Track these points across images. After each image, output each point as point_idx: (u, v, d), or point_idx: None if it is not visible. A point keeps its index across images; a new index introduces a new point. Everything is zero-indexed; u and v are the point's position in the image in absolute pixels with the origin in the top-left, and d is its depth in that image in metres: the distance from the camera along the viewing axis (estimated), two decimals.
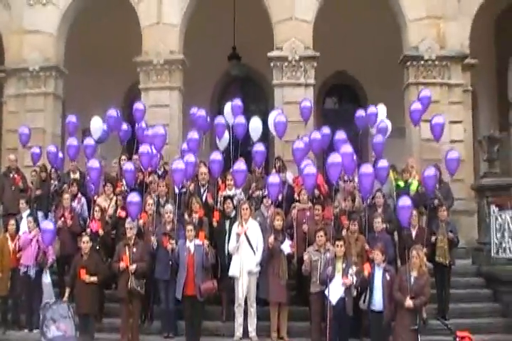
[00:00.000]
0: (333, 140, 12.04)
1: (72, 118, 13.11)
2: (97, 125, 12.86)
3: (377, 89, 16.99)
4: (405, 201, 10.01)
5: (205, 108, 14.01)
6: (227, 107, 13.25)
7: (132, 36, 15.59)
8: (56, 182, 12.71)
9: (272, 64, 14.91)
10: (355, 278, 9.21)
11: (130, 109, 14.93)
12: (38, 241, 10.69)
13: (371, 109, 12.88)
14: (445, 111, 14.24)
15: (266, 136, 13.45)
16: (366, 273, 9.26)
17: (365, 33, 16.74)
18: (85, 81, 17.17)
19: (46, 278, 10.73)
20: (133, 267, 9.70)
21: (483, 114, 18.05)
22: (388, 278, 9.11)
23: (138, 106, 13.25)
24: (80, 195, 11.75)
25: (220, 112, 15.89)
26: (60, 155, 12.87)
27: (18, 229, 11.00)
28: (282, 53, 14.82)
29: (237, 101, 13.05)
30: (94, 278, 9.77)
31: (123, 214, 10.73)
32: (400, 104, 14.69)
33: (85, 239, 9.95)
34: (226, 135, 12.61)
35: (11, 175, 12.92)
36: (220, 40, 16.92)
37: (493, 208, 11.55)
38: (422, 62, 14.64)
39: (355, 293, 9.31)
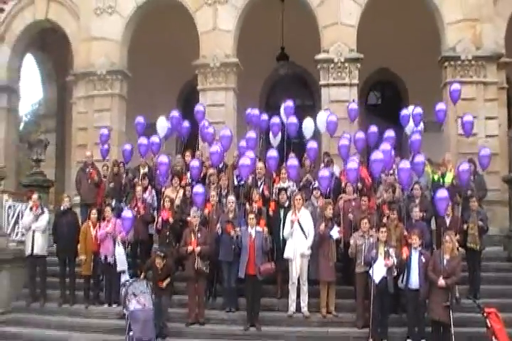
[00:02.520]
0: (374, 136, 13.21)
1: (140, 120, 14.40)
2: (162, 124, 14.10)
3: (418, 86, 17.99)
4: (443, 193, 11.22)
5: (255, 105, 15.30)
6: (282, 108, 14.39)
7: (188, 41, 16.85)
8: (124, 176, 13.98)
9: (319, 66, 16.00)
10: (395, 260, 10.34)
11: (184, 106, 16.37)
12: (114, 228, 11.95)
13: (417, 110, 13.89)
14: (481, 108, 15.35)
15: (314, 132, 14.40)
16: (404, 255, 10.38)
17: (406, 34, 17.53)
18: (145, 82, 18.45)
19: (119, 249, 11.86)
20: (198, 249, 11.01)
21: None
22: (424, 260, 10.22)
23: (199, 108, 14.57)
24: (149, 187, 13.00)
25: (269, 109, 17.29)
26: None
27: (99, 217, 12.26)
28: (329, 56, 15.88)
29: (289, 103, 14.26)
30: (167, 281, 11.12)
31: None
32: (439, 101, 15.42)
33: (158, 260, 11.04)
34: (279, 132, 13.75)
35: (87, 170, 14.11)
36: (270, 43, 17.93)
37: None
38: (459, 62, 15.54)
39: (395, 273, 10.40)
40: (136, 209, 12.37)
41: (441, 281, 9.89)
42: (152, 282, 11.21)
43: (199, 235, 11.24)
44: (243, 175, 12.20)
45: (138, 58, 17.82)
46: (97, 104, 17.10)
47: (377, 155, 11.69)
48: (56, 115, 21.67)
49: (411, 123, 13.80)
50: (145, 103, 18.01)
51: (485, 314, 9.92)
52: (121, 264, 11.88)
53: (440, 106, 13.98)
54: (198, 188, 11.86)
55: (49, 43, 20.39)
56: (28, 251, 12.43)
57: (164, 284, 11.12)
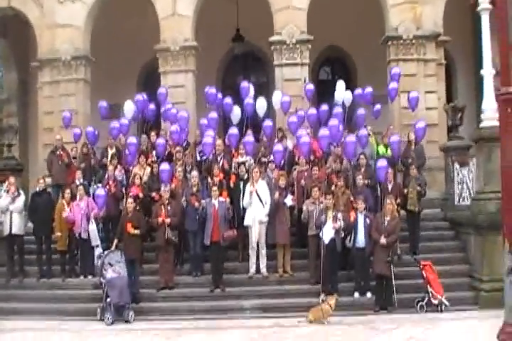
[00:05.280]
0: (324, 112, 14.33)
1: (103, 103, 15.29)
2: (129, 107, 14.98)
3: (366, 62, 19.00)
4: (382, 162, 12.57)
5: (212, 84, 16.14)
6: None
7: (146, 26, 17.58)
8: (92, 156, 14.77)
9: (272, 47, 17.02)
10: (342, 223, 11.62)
11: (144, 88, 16.97)
12: (87, 206, 12.81)
13: (368, 89, 15.04)
14: (421, 83, 16.62)
15: (269, 109, 15.43)
16: (352, 218, 11.71)
17: (354, 14, 18.44)
18: (106, 66, 18.83)
19: (92, 227, 12.68)
20: (168, 220, 12.06)
21: (460, 84, 20.20)
22: (368, 222, 11.57)
23: (161, 90, 15.53)
24: (119, 166, 13.81)
25: (226, 88, 18.44)
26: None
27: (73, 196, 13.09)
28: (281, 38, 16.90)
29: (245, 83, 15.35)
30: (137, 231, 12.02)
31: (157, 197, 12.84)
32: (384, 76, 16.77)
33: (130, 200, 12.25)
34: (237, 111, 14.75)
35: (58, 152, 14.77)
36: (226, 25, 18.77)
37: (456, 165, 13.65)
38: (401, 42, 16.77)
39: (342, 234, 11.71)
40: (107, 187, 13.26)
41: (383, 240, 11.23)
42: (120, 228, 12.11)
43: (169, 208, 12.27)
44: (206, 152, 13.28)
45: (100, 43, 18.39)
46: (62, 88, 17.73)
47: (324, 131, 12.96)
48: (17, 99, 21.87)
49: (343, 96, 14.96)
50: (106, 86, 18.56)
51: (421, 266, 11.30)
52: (95, 239, 12.79)
53: (393, 84, 15.14)
54: (165, 166, 12.92)
55: (10, 29, 20.68)
56: (6, 231, 13.08)
57: (132, 231, 11.96)
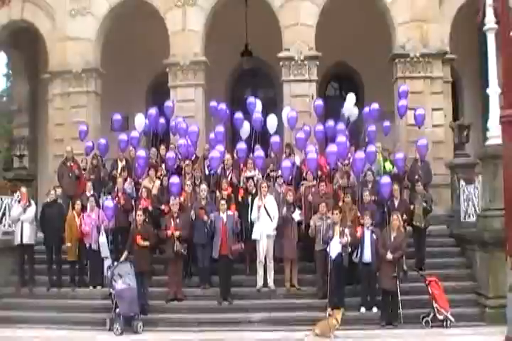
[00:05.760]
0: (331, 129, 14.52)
1: (117, 117, 15.51)
2: (140, 120, 15.23)
3: (373, 79, 19.21)
4: (386, 179, 12.76)
5: (221, 99, 16.37)
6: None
7: (156, 39, 17.82)
8: (102, 168, 14.99)
9: (281, 63, 17.24)
10: (349, 238, 11.78)
11: (153, 101, 17.11)
12: (98, 217, 13.03)
13: (374, 106, 15.21)
14: (428, 100, 16.81)
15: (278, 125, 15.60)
16: (358, 234, 11.87)
17: (361, 31, 18.55)
18: (116, 78, 19.07)
19: (102, 239, 12.88)
20: (177, 233, 12.25)
21: (466, 102, 20.42)
22: (375, 237, 11.74)
23: (168, 104, 15.78)
24: (129, 178, 14.01)
25: (234, 102, 18.62)
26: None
27: (83, 207, 13.28)
28: (290, 54, 17.13)
29: (252, 99, 15.57)
30: (146, 243, 12.21)
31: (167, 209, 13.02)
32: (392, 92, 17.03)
33: (139, 213, 12.47)
34: (247, 126, 14.99)
35: (68, 164, 14.99)
36: (235, 41, 19.00)
37: (462, 182, 13.87)
38: (408, 59, 16.97)
39: (349, 250, 11.84)
40: (117, 199, 13.44)
41: (389, 255, 11.39)
42: (130, 240, 12.30)
43: (178, 221, 12.48)
44: (213, 166, 13.49)
45: (110, 56, 18.66)
46: (72, 100, 17.96)
47: (332, 147, 13.17)
48: (28, 110, 22.20)
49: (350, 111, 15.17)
50: (116, 98, 18.83)
51: (426, 282, 11.45)
52: (105, 251, 12.96)
53: (402, 102, 15.35)
54: (175, 179, 13.11)
55: (21, 42, 20.94)
56: (17, 241, 13.33)
57: (142, 242, 12.16)
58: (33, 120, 22.02)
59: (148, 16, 18.01)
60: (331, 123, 14.61)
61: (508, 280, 6.30)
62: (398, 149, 14.62)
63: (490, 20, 11.97)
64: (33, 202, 13.89)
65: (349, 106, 15.26)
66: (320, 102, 15.70)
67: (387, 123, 15.10)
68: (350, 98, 15.46)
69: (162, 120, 15.48)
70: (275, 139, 14.39)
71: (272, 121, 14.99)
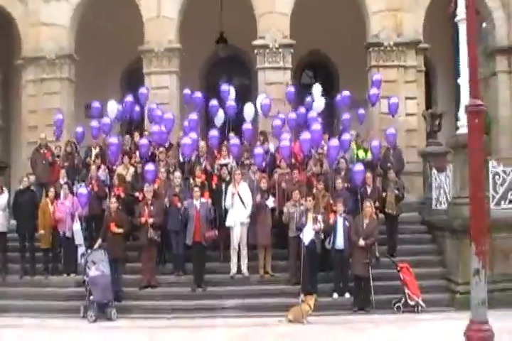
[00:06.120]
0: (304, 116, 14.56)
1: (96, 104, 15.36)
2: (112, 107, 15.12)
3: (347, 67, 19.43)
4: (359, 166, 12.89)
5: (195, 86, 16.34)
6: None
7: (130, 26, 17.72)
8: (76, 155, 14.88)
9: (255, 51, 17.25)
10: (322, 225, 11.90)
11: (127, 87, 16.95)
12: (72, 204, 12.98)
13: (345, 93, 15.28)
14: (401, 89, 16.94)
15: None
16: (331, 220, 12.00)
17: (336, 20, 18.60)
18: (89, 65, 18.84)
19: (77, 226, 12.83)
20: (151, 220, 12.27)
21: (440, 91, 20.67)
22: (347, 224, 11.86)
23: (142, 90, 15.67)
24: (102, 165, 14.01)
25: (209, 89, 18.54)
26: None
27: (56, 194, 13.19)
28: (264, 42, 17.15)
29: (225, 86, 15.55)
30: (120, 230, 12.23)
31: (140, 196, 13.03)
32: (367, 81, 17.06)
33: (113, 200, 12.47)
34: (221, 114, 15.00)
35: (42, 151, 14.89)
36: (209, 28, 18.95)
37: (434, 170, 14.02)
38: (382, 48, 17.09)
39: (322, 236, 11.98)
40: (90, 186, 13.39)
41: (361, 242, 11.53)
42: (104, 227, 12.31)
43: (152, 208, 12.49)
44: (186, 154, 13.53)
45: (84, 42, 18.48)
46: (46, 87, 17.80)
47: (305, 135, 13.21)
48: (1, 97, 21.73)
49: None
50: (89, 85, 18.77)
51: (398, 268, 11.61)
52: (79, 238, 12.94)
53: (374, 90, 15.44)
54: (150, 166, 13.11)
55: None
56: None
57: (116, 230, 12.18)
58: (6, 107, 21.67)
59: (122, 3, 17.82)
60: (302, 110, 14.63)
61: (472, 265, 6.46)
62: (372, 137, 14.67)
63: (462, 11, 12.02)
64: (5, 189, 13.78)
65: (315, 98, 15.26)
66: (291, 89, 15.73)
67: (362, 111, 15.22)
68: (317, 89, 15.47)
69: (136, 107, 15.39)
70: (247, 126, 14.41)
71: (248, 110, 15.01)
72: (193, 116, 14.48)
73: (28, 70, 18.12)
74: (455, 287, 11.91)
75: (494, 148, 18.06)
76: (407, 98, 16.91)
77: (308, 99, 15.39)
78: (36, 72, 17.94)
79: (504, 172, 12.80)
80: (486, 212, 11.09)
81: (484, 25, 18.75)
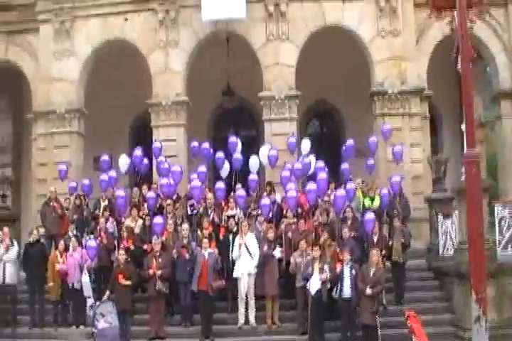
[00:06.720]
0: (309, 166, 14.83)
1: (105, 157, 15.71)
2: (123, 161, 15.54)
3: (353, 115, 19.70)
4: (370, 215, 12.99)
5: (203, 138, 16.67)
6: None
7: (139, 79, 18.10)
8: (85, 208, 15.13)
9: (262, 102, 17.53)
10: (328, 274, 11.91)
11: (135, 140, 17.47)
12: (81, 257, 13.08)
13: (349, 142, 15.63)
14: (406, 136, 17.10)
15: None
16: (338, 270, 12.00)
17: (340, 69, 18.93)
18: (98, 118, 19.01)
19: (85, 278, 12.89)
20: (159, 272, 12.35)
21: (445, 136, 20.87)
22: (354, 272, 11.83)
23: (156, 144, 16.03)
24: (111, 218, 14.15)
25: (216, 141, 18.88)
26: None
27: (66, 247, 13.34)
28: (270, 93, 17.42)
29: (233, 138, 15.85)
30: (128, 282, 12.33)
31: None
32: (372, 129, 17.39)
33: (122, 252, 12.61)
34: (227, 166, 15.28)
35: (51, 204, 15.10)
36: (216, 80, 19.25)
37: (440, 217, 14.09)
38: (387, 96, 17.29)
39: (329, 285, 11.97)
40: (99, 238, 13.55)
41: (368, 290, 11.50)
42: (112, 279, 12.38)
43: (160, 260, 12.60)
44: (195, 196, 13.80)
45: (93, 96, 18.80)
46: (56, 140, 18.10)
47: (311, 185, 13.39)
48: (12, 150, 22.15)
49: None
50: (99, 138, 19.00)
51: (405, 316, 11.54)
52: (87, 290, 12.98)
53: (372, 139, 15.76)
54: (158, 219, 13.30)
55: (5, 82, 20.85)
56: None
57: (124, 281, 12.25)
58: (17, 160, 22.02)
59: (130, 57, 18.26)
60: (306, 160, 14.84)
61: (472, 313, 6.50)
62: (379, 185, 14.80)
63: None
64: (15, 242, 13.94)
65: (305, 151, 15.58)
66: (293, 140, 16.01)
67: (371, 162, 15.36)
68: (305, 144, 15.79)
69: (145, 160, 15.67)
70: (252, 177, 14.67)
71: (253, 162, 15.30)
72: (202, 168, 14.73)
73: (38, 124, 18.44)
74: (463, 333, 11.78)
75: (502, 190, 18.18)
76: (412, 145, 17.07)
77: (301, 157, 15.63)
78: (46, 126, 18.22)
79: (511, 216, 12.82)
80: (492, 257, 11.19)
81: (488, 69, 19.05)
